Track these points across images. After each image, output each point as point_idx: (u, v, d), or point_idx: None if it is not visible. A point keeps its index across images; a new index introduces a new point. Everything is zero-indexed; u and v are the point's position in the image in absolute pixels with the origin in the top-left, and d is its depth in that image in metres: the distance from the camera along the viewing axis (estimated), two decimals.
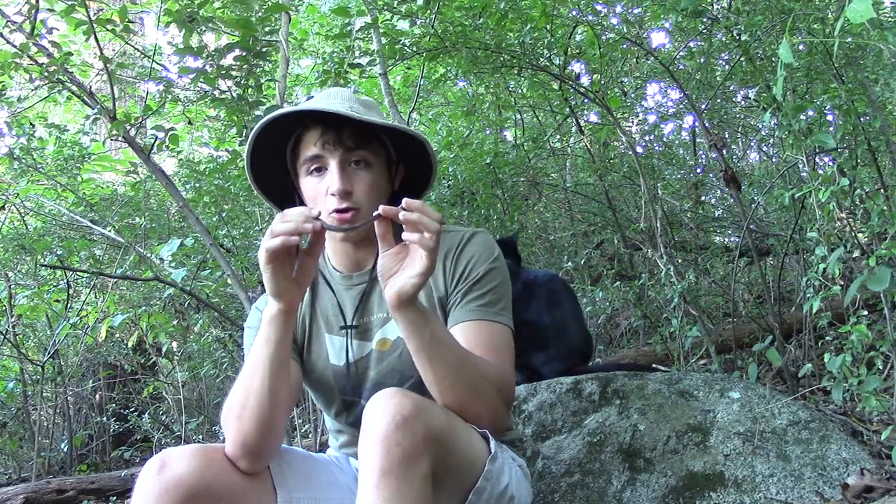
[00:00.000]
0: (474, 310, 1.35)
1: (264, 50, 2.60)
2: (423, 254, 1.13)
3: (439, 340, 1.21)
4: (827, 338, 2.05)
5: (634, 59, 3.35)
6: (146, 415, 3.72)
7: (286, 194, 1.45)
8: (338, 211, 1.32)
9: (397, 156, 1.43)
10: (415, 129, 1.45)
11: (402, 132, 1.39)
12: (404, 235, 1.14)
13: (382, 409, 1.09)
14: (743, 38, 2.49)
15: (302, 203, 1.40)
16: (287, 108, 1.37)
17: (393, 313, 1.20)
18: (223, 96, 2.60)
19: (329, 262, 1.49)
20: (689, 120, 3.95)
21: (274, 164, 1.42)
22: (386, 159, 1.40)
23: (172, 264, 3.03)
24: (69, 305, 3.75)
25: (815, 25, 2.25)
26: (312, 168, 1.35)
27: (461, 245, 1.41)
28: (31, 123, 3.45)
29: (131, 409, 3.97)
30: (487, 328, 1.34)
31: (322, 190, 1.34)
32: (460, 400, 1.23)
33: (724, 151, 2.65)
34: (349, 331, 1.42)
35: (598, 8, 2.96)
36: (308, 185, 1.36)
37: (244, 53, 2.53)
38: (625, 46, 3.04)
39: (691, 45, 3.22)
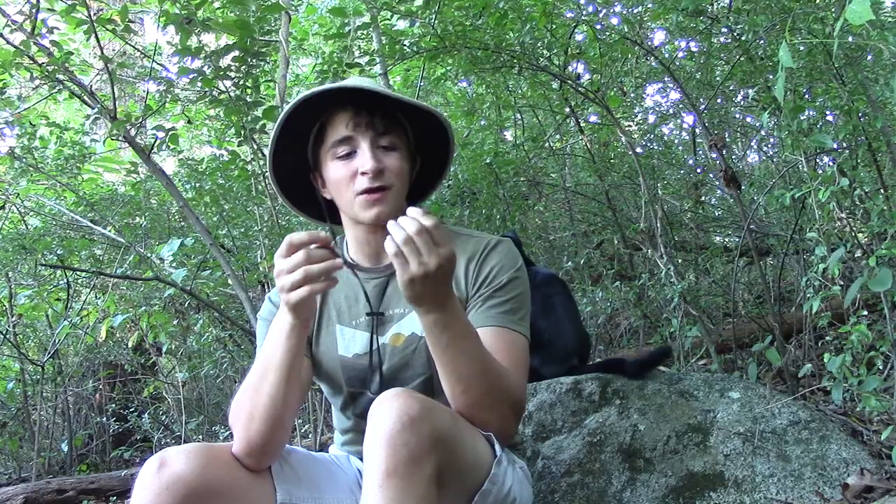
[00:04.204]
0: (495, 316, 1.34)
1: (262, 50, 2.60)
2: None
3: (458, 346, 1.20)
4: (827, 338, 2.05)
5: (634, 59, 3.35)
6: (146, 415, 3.72)
7: (301, 192, 1.45)
8: (369, 191, 1.31)
9: (416, 147, 1.43)
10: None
11: (426, 115, 1.38)
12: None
13: (389, 409, 1.08)
14: (743, 38, 2.49)
15: (313, 197, 1.43)
16: (315, 89, 1.35)
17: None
18: (221, 97, 2.60)
19: (347, 252, 1.47)
20: (689, 120, 3.95)
21: (287, 158, 1.40)
22: (408, 148, 1.40)
23: (172, 264, 3.03)
24: (69, 305, 3.75)
25: (815, 25, 2.25)
26: (341, 152, 1.34)
27: (485, 251, 1.40)
28: (31, 123, 3.45)
29: (131, 409, 3.97)
30: (506, 336, 1.33)
31: (350, 172, 1.32)
32: (471, 406, 1.23)
33: (724, 151, 2.65)
34: (373, 320, 1.41)
35: (598, 8, 2.95)
36: (335, 169, 1.34)
37: (242, 54, 2.53)
38: (626, 45, 3.04)
39: (691, 45, 3.22)
